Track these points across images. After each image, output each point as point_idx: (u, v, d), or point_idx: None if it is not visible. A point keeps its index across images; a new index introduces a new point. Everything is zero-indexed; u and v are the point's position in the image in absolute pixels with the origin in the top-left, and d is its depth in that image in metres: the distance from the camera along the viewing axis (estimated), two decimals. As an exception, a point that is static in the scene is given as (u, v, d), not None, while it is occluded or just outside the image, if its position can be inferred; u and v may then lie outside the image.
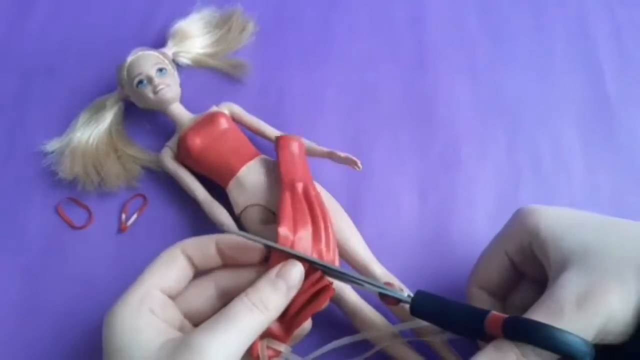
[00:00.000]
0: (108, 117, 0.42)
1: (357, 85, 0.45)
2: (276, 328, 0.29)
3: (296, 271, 0.29)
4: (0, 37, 0.48)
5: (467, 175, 0.41)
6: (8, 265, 0.39)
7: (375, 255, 0.36)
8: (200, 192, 0.39)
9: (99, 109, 0.43)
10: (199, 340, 0.25)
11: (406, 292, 0.30)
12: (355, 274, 0.31)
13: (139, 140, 0.43)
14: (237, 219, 0.37)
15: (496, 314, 0.27)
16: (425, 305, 0.29)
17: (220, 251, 0.30)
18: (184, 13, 0.47)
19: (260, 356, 0.29)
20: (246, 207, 0.37)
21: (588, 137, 0.43)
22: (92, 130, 0.42)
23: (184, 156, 0.40)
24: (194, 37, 0.46)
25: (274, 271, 0.29)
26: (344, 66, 0.46)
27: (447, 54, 0.47)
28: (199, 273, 0.31)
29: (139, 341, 0.26)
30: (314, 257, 0.32)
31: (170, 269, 0.29)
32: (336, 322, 0.36)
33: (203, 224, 0.39)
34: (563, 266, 0.27)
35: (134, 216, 0.40)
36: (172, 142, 0.41)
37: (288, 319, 0.30)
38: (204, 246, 0.30)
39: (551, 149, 0.42)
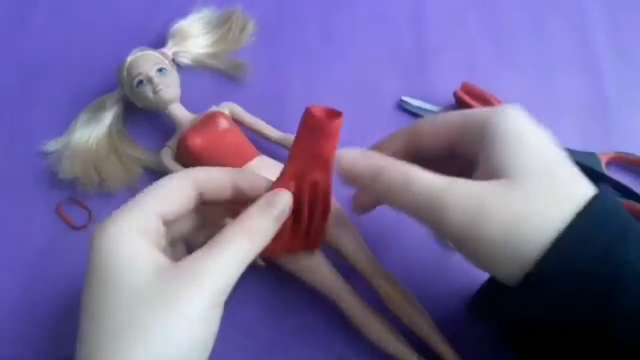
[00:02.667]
0: (108, 117, 0.42)
1: (357, 85, 0.45)
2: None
3: (284, 198, 0.28)
4: (1, 37, 0.48)
5: (467, 175, 0.41)
6: (8, 265, 0.39)
7: (375, 255, 0.36)
8: (200, 192, 0.39)
9: (99, 109, 0.43)
10: (203, 265, 0.24)
11: None
12: None
13: (139, 140, 0.43)
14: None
15: None
16: None
17: (235, 188, 0.29)
18: (184, 13, 0.47)
19: None
20: (246, 207, 0.37)
21: (587, 136, 0.43)
22: (92, 131, 0.42)
23: (184, 156, 0.40)
24: (194, 37, 0.46)
25: (263, 199, 0.27)
26: (344, 66, 0.46)
27: (447, 53, 0.47)
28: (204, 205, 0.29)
29: (133, 268, 0.24)
30: None
31: (174, 197, 0.27)
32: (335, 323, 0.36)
33: (203, 224, 0.39)
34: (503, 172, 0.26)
35: (134, 216, 0.40)
36: (172, 142, 0.41)
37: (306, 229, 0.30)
38: (219, 182, 0.28)
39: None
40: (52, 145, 0.42)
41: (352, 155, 0.28)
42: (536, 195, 0.25)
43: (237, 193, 0.29)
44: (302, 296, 0.37)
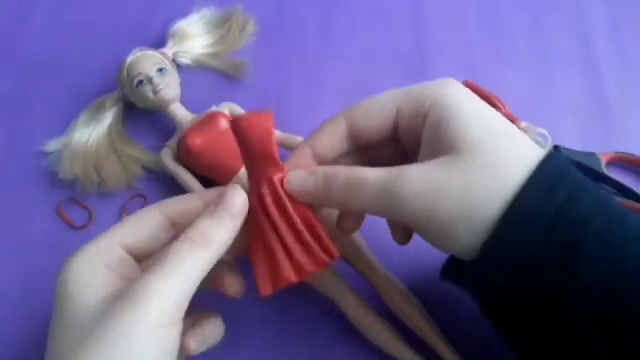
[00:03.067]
0: (108, 117, 0.42)
1: (357, 85, 0.45)
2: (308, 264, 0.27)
3: (237, 197, 0.26)
4: (1, 37, 0.48)
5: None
6: (8, 265, 0.39)
7: (375, 255, 0.36)
8: (200, 192, 0.39)
9: (99, 109, 0.43)
10: (144, 287, 0.23)
11: None
12: None
13: (139, 140, 0.43)
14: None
15: None
16: None
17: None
18: (184, 13, 0.47)
19: None
20: (246, 207, 0.37)
21: (587, 136, 0.43)
22: (92, 131, 0.42)
23: (184, 156, 0.40)
24: (194, 37, 0.46)
25: (212, 202, 0.26)
26: (344, 66, 0.46)
27: (447, 53, 0.47)
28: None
29: (87, 293, 0.24)
30: None
31: (141, 227, 0.27)
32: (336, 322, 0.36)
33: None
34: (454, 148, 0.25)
35: (134, 216, 0.40)
36: (172, 142, 0.41)
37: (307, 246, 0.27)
38: (187, 205, 0.28)
39: (551, 149, 0.42)
40: (52, 145, 0.42)
41: (298, 175, 0.28)
42: (486, 165, 0.25)
43: None
44: (302, 296, 0.37)
